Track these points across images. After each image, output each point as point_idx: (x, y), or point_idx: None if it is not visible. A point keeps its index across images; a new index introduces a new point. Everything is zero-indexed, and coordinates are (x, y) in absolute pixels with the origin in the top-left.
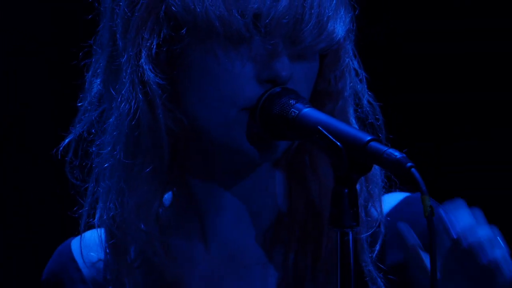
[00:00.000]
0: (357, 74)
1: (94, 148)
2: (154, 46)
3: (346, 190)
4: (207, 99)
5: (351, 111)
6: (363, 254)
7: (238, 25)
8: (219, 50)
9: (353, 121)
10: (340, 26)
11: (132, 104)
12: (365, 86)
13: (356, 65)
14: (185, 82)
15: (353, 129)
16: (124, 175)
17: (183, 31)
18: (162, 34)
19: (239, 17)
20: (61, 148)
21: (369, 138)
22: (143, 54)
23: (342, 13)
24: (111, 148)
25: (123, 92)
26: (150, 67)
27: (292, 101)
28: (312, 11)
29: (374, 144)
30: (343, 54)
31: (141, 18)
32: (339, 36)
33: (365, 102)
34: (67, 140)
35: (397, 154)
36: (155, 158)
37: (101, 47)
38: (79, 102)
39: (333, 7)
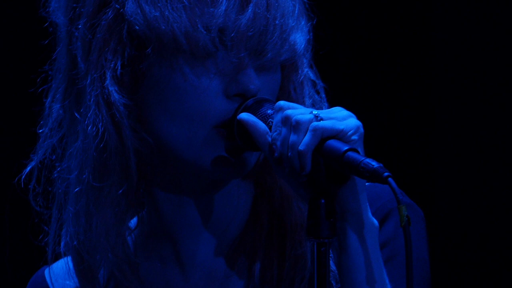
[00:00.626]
0: (314, 85)
1: (56, 174)
2: (119, 67)
3: (323, 201)
4: (176, 117)
5: None
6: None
7: (204, 41)
8: (185, 67)
9: None
10: (301, 36)
11: (99, 126)
12: (323, 96)
13: (312, 76)
14: (152, 101)
15: (331, 140)
16: (93, 198)
17: (148, 49)
18: (126, 54)
19: (204, 32)
20: (23, 176)
21: (346, 148)
22: (107, 76)
23: (303, 23)
24: (78, 172)
25: (88, 115)
26: (116, 88)
27: (269, 111)
28: (276, 22)
29: (351, 154)
30: (301, 64)
31: (103, 39)
32: (301, 46)
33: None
34: (29, 168)
35: (374, 163)
36: (123, 180)
37: (59, 71)
38: (39, 129)
39: (295, 17)
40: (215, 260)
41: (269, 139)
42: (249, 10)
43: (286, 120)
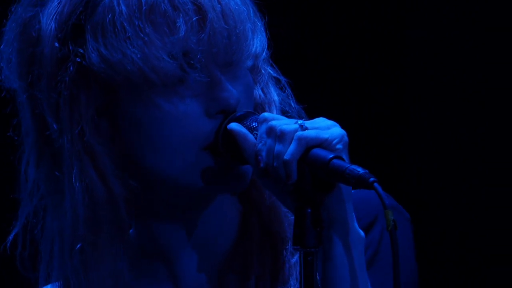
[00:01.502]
0: (278, 82)
1: (40, 235)
2: (95, 118)
3: (309, 210)
4: (164, 149)
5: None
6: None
7: (172, 69)
8: (160, 98)
9: None
10: (262, 38)
11: (86, 181)
12: (289, 91)
13: (274, 73)
14: (136, 139)
15: (316, 149)
16: (89, 251)
17: (120, 92)
18: (99, 103)
19: (170, 61)
20: (8, 244)
21: (331, 156)
22: (85, 130)
23: (259, 25)
24: (72, 230)
25: (73, 172)
26: (96, 140)
27: (254, 124)
28: (236, 31)
29: (336, 161)
30: (263, 65)
31: (71, 96)
32: (263, 47)
33: (292, 107)
34: (12, 234)
35: (359, 169)
36: (116, 228)
37: (27, 135)
38: (18, 195)
39: (252, 20)
40: (208, 277)
41: (255, 147)
42: (207, 28)
43: (271, 131)
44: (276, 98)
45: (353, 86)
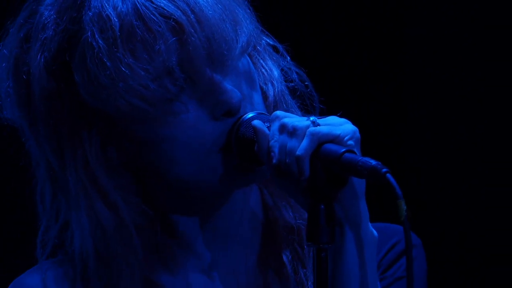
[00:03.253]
0: (276, 50)
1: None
2: (99, 151)
3: (322, 206)
4: (178, 161)
5: (286, 91)
6: None
7: (160, 93)
8: (162, 116)
9: (290, 99)
10: (246, 27)
11: (96, 216)
12: (288, 58)
13: (269, 41)
14: (148, 159)
15: (328, 144)
16: (106, 280)
17: (121, 122)
18: (101, 135)
19: (156, 87)
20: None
21: (343, 150)
22: (92, 165)
23: (241, 14)
24: (83, 263)
25: (81, 209)
26: (104, 172)
27: (265, 124)
28: (216, 36)
29: (348, 155)
30: (258, 40)
31: (71, 133)
32: (248, 36)
33: (294, 75)
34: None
35: (372, 161)
36: (129, 254)
37: (38, 169)
38: (40, 225)
39: (229, 17)
40: (238, 268)
41: (269, 142)
42: (187, 43)
43: (283, 128)
44: (276, 72)
45: (351, 84)
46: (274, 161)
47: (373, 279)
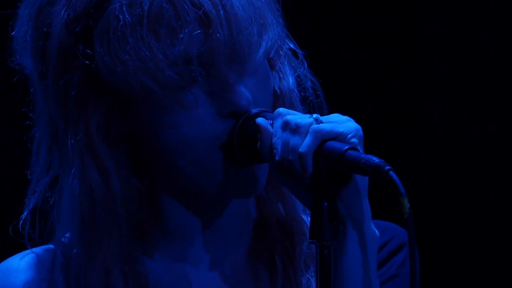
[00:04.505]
0: (296, 56)
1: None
2: (101, 120)
3: (325, 204)
4: (177, 151)
5: (297, 99)
6: None
7: (174, 80)
8: (169, 108)
9: (299, 106)
10: (272, 32)
11: (86, 179)
12: (305, 64)
13: (292, 46)
14: (147, 142)
15: (331, 141)
16: (85, 258)
17: (128, 99)
18: (109, 105)
19: (172, 73)
20: (21, 222)
21: (346, 147)
22: (91, 132)
23: (270, 18)
24: (68, 225)
25: (72, 171)
26: (102, 141)
27: (268, 121)
28: (240, 37)
29: (351, 152)
30: (281, 44)
31: (79, 96)
32: (275, 40)
33: (309, 83)
34: (25, 214)
35: (375, 159)
36: (112, 226)
37: (40, 120)
38: (30, 174)
39: (258, 21)
40: (227, 261)
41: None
42: (211, 38)
43: (286, 125)
44: (291, 79)
45: (366, 82)
46: (276, 158)
47: (374, 277)
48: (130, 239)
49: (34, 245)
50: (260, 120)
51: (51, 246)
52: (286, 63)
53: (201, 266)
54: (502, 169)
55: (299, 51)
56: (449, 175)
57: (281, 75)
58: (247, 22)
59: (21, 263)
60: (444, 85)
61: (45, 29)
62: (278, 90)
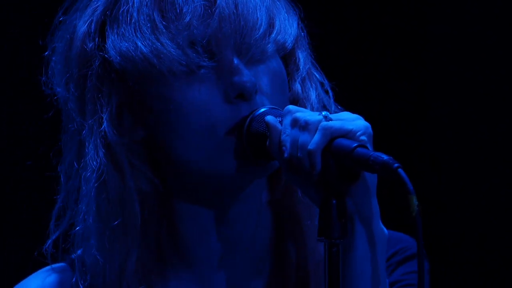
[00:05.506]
0: (322, 85)
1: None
2: (114, 108)
3: (334, 201)
4: (186, 137)
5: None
6: None
7: (178, 58)
8: (177, 89)
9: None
10: (286, 26)
11: (100, 168)
12: (332, 98)
13: (319, 76)
14: (157, 129)
15: (340, 139)
16: (97, 242)
17: (134, 83)
18: (121, 94)
19: (177, 49)
20: (49, 239)
21: (355, 144)
22: (104, 119)
23: (283, 12)
24: (82, 217)
25: (89, 161)
26: (114, 130)
27: (278, 118)
28: (249, 17)
29: (360, 149)
30: (300, 62)
31: (94, 88)
32: (285, 37)
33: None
34: (53, 218)
35: (384, 156)
36: (127, 221)
37: (63, 134)
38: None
39: (269, 8)
40: (238, 279)
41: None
42: (215, 14)
43: (296, 122)
44: (313, 94)
45: (375, 82)
46: (285, 155)
47: (383, 276)
48: (148, 256)
49: (55, 258)
50: (269, 118)
51: (64, 264)
52: (308, 80)
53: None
54: (511, 170)
55: (325, 82)
56: (458, 176)
57: (303, 86)
58: (253, 4)
59: (45, 284)
60: (453, 85)
61: (68, 37)
62: (295, 99)
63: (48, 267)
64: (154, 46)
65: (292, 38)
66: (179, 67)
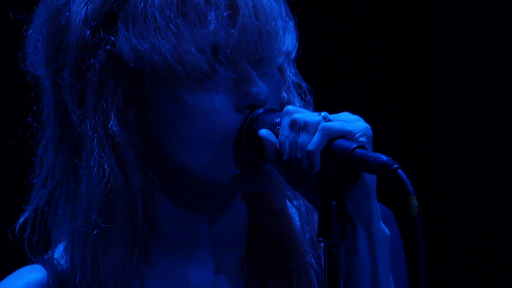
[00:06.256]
0: (299, 87)
1: (52, 223)
2: (121, 106)
3: (333, 202)
4: (190, 143)
5: None
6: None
7: (199, 63)
8: (189, 93)
9: None
10: (292, 36)
11: (105, 168)
12: (309, 98)
13: (296, 79)
14: (162, 132)
15: (339, 139)
16: (100, 241)
17: (147, 83)
18: (127, 92)
19: (198, 54)
20: (17, 227)
21: (355, 145)
22: (111, 117)
23: (291, 24)
24: (84, 217)
25: (92, 158)
26: (121, 128)
27: (277, 119)
28: (267, 27)
29: (359, 150)
30: (289, 67)
31: (99, 82)
32: (293, 46)
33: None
34: (22, 218)
35: (383, 157)
36: (129, 220)
37: (48, 122)
38: (33, 179)
39: (283, 18)
40: (217, 279)
41: (277, 145)
42: (238, 23)
43: (294, 123)
44: (297, 101)
45: (386, 88)
46: (284, 157)
47: (386, 278)
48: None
49: (32, 250)
50: (263, 132)
51: (39, 265)
52: (292, 87)
53: (201, 271)
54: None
55: (303, 84)
56: (458, 175)
57: (288, 93)
58: (274, 14)
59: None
60: (465, 91)
61: (63, 22)
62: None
63: (28, 267)
64: (177, 51)
65: (295, 49)
66: (198, 73)
